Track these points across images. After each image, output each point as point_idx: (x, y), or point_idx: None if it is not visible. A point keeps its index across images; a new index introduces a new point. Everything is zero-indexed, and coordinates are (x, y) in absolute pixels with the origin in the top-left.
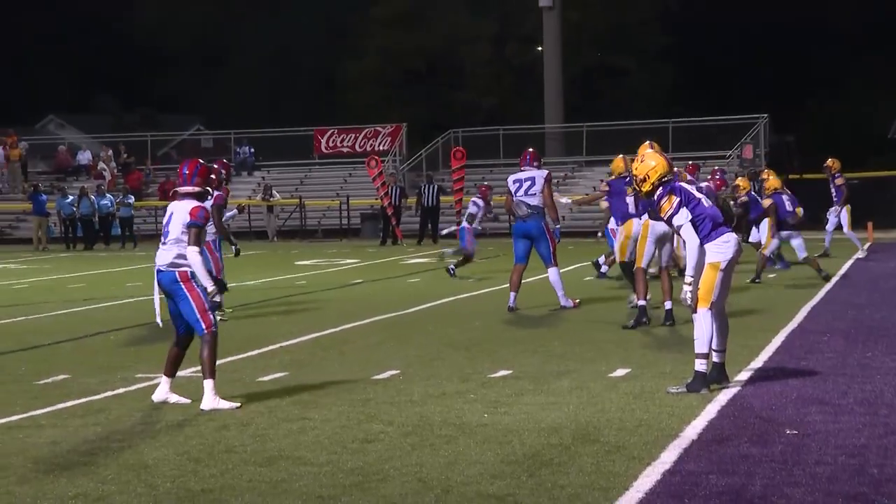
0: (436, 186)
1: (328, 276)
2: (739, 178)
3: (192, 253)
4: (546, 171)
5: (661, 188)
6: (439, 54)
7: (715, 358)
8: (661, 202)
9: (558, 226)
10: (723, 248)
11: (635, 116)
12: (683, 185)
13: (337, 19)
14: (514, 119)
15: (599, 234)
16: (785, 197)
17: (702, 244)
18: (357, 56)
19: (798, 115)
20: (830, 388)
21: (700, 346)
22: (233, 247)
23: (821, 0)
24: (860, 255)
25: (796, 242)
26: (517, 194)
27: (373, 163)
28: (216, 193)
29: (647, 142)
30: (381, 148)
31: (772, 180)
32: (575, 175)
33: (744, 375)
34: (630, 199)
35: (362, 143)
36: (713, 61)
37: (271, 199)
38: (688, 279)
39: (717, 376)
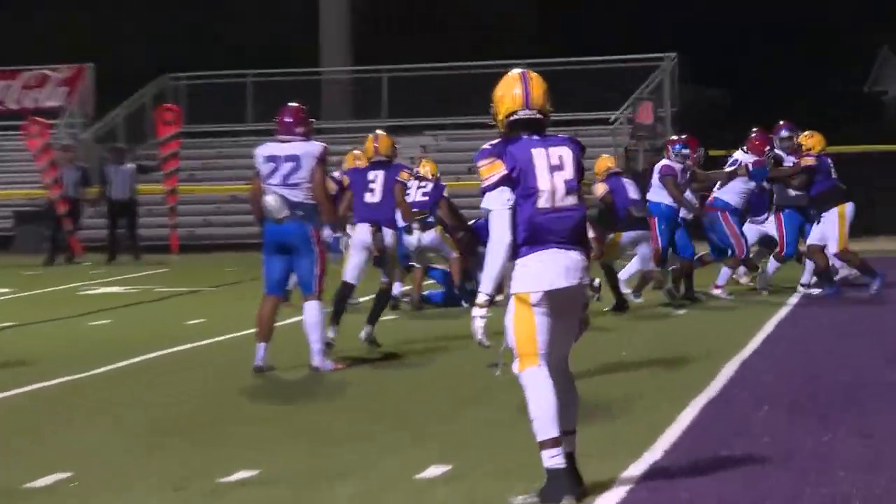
0: (129, 168)
1: None
2: (605, 159)
3: None
4: (320, 146)
5: (496, 142)
6: None
7: (568, 445)
8: (480, 162)
9: (338, 234)
10: (532, 272)
11: (478, 55)
12: (540, 151)
13: None
14: (272, 58)
15: None
16: (626, 180)
17: (515, 256)
18: None
19: (736, 61)
20: (767, 495)
21: (541, 429)
22: None
23: None
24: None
25: (643, 251)
26: (270, 181)
27: (34, 128)
28: None
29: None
30: (49, 104)
31: (603, 160)
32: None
33: (633, 472)
34: None
35: (18, 96)
36: None
37: None
38: (481, 298)
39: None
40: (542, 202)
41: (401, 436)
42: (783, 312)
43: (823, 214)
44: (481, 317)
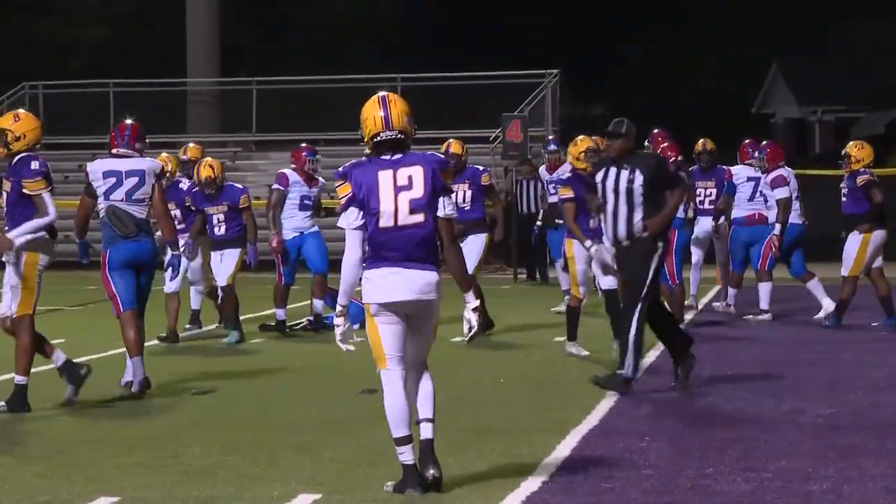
0: None
1: None
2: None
3: None
4: (159, 163)
5: (347, 164)
6: None
7: (423, 432)
8: (336, 184)
9: (178, 251)
10: (371, 286)
11: (347, 69)
12: (387, 174)
13: None
14: (138, 67)
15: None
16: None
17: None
18: None
19: (611, 77)
20: None
21: (393, 428)
22: None
23: None
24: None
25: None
26: (112, 198)
27: None
28: None
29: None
30: None
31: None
32: (237, 164)
33: (510, 503)
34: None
35: None
36: None
37: None
38: (338, 308)
39: (426, 463)
40: (384, 221)
41: (265, 464)
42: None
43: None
44: (339, 325)
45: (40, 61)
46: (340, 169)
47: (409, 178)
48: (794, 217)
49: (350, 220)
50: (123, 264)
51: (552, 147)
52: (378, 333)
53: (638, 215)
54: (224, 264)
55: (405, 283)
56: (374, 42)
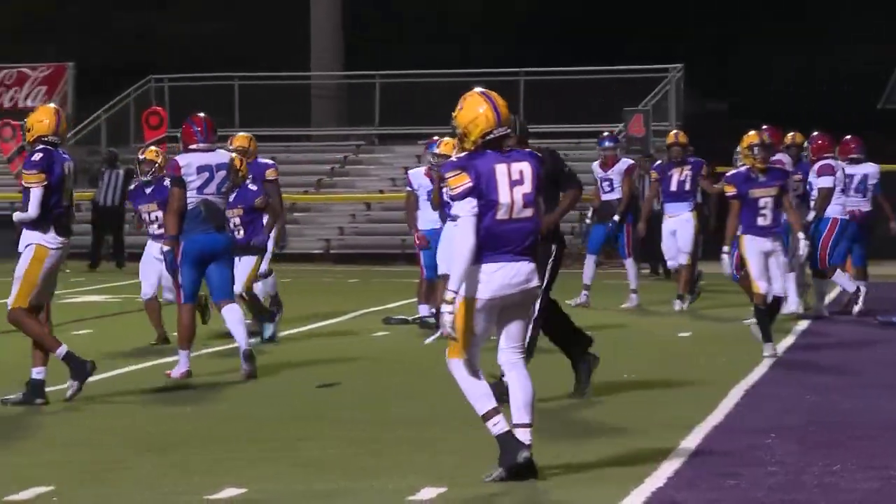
0: (121, 173)
1: None
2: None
3: None
4: (233, 156)
5: (462, 156)
6: None
7: (520, 435)
8: (448, 173)
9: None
10: (484, 279)
11: (470, 63)
12: (502, 167)
13: None
14: (261, 60)
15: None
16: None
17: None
18: None
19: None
20: None
21: (479, 405)
22: None
23: None
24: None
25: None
26: (205, 191)
27: (7, 131)
28: None
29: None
30: (28, 104)
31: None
32: (360, 158)
33: (634, 500)
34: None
35: None
36: None
37: None
38: (449, 295)
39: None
40: (501, 214)
41: (383, 458)
42: (790, 340)
43: None
44: (449, 312)
45: (166, 54)
46: (454, 159)
47: (521, 172)
48: (839, 211)
49: (468, 207)
50: (196, 256)
51: (607, 144)
52: (475, 325)
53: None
54: (239, 271)
55: (516, 275)
56: (496, 36)
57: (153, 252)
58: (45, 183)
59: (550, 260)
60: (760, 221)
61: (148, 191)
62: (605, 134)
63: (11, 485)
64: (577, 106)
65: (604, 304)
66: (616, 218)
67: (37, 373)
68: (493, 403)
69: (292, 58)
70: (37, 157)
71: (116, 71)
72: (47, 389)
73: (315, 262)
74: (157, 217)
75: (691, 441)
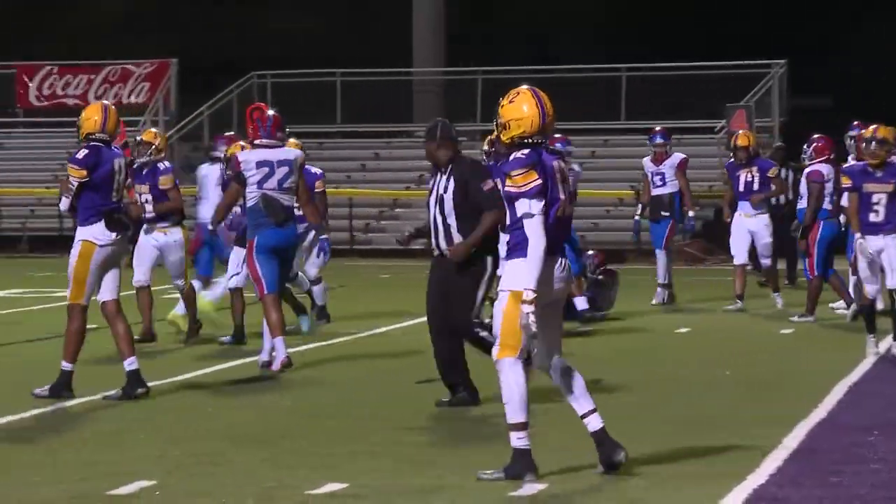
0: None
1: (42, 318)
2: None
3: None
4: (299, 154)
5: (521, 150)
6: None
7: (594, 424)
8: (515, 171)
9: (325, 235)
10: (545, 274)
11: (566, 59)
12: (556, 164)
13: None
14: (359, 57)
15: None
16: None
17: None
18: None
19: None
20: None
21: (512, 413)
22: None
23: None
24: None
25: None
26: (266, 186)
27: None
28: None
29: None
30: (133, 100)
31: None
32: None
33: (736, 497)
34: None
35: (101, 92)
36: None
37: None
38: (528, 295)
39: (614, 447)
40: (559, 211)
41: (483, 451)
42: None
43: None
44: (532, 312)
45: (268, 50)
46: (521, 155)
47: (563, 170)
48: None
49: (539, 207)
50: (269, 249)
51: (658, 140)
52: (538, 320)
53: (454, 228)
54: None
55: (564, 270)
56: (598, 33)
57: (149, 238)
58: (86, 179)
59: (484, 279)
60: (872, 217)
61: (145, 172)
62: (657, 129)
63: (115, 479)
64: (679, 102)
65: (706, 303)
66: (691, 214)
67: (128, 364)
68: (526, 416)
69: (394, 54)
70: (81, 153)
71: (219, 66)
72: (150, 384)
73: (416, 258)
74: (147, 199)
75: (794, 438)
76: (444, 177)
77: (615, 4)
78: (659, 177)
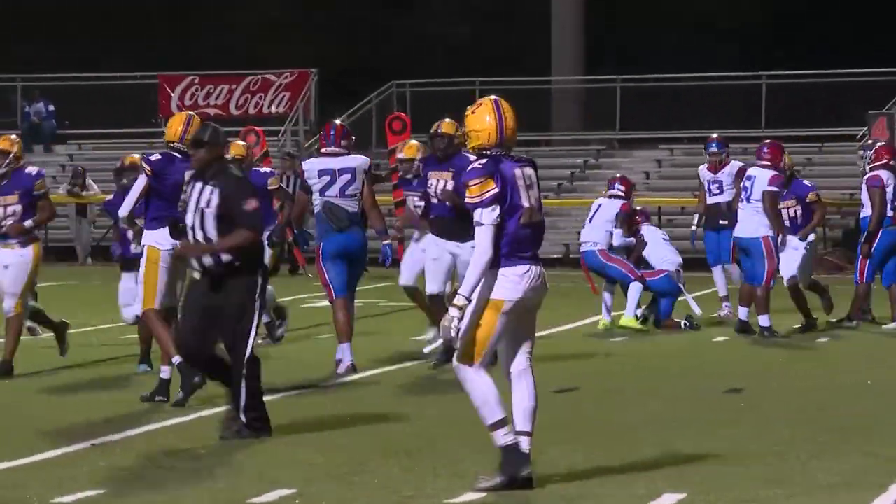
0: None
1: None
2: None
3: None
4: (363, 160)
5: (479, 161)
6: None
7: (524, 447)
8: (472, 181)
9: (388, 242)
10: (510, 283)
11: (709, 66)
12: (519, 172)
13: None
14: (501, 65)
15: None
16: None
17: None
18: None
19: None
20: None
21: (488, 414)
22: None
23: None
24: None
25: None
26: (327, 194)
27: (252, 137)
28: None
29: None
30: (273, 110)
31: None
32: (599, 163)
33: None
34: None
35: (242, 102)
36: None
37: (85, 192)
38: (460, 300)
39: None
40: (524, 218)
41: (619, 462)
42: None
43: None
44: (458, 318)
45: (406, 59)
46: (478, 165)
47: (530, 177)
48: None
49: (494, 216)
50: (336, 255)
51: (714, 148)
52: (495, 330)
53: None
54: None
55: (538, 277)
56: (738, 39)
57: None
58: (146, 184)
59: (258, 293)
60: None
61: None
62: (714, 137)
63: (256, 486)
64: (819, 110)
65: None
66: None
67: (163, 371)
68: (502, 414)
69: (533, 62)
70: (154, 156)
71: (357, 74)
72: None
73: (555, 267)
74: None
75: None
76: (208, 187)
77: (753, 11)
78: (716, 185)
